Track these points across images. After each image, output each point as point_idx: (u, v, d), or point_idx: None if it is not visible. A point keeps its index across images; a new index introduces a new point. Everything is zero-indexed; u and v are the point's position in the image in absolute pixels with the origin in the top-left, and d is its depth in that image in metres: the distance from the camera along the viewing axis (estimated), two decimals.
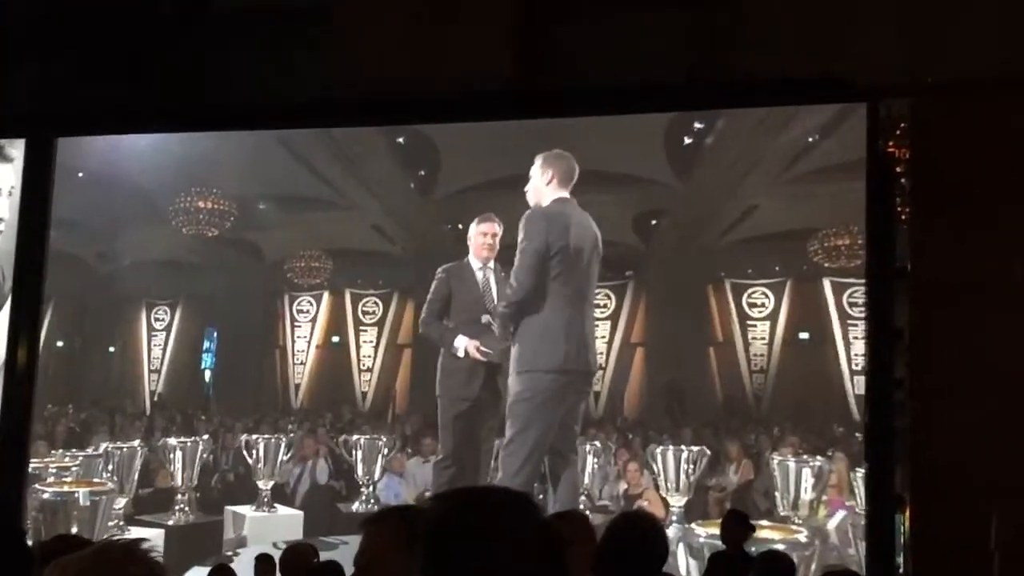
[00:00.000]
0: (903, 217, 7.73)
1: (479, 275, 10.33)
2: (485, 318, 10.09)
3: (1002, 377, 7.16)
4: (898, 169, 7.76)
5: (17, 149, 9.79)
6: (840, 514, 10.38)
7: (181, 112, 9.46)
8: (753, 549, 8.88)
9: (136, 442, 12.63)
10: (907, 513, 7.32)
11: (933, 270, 7.46)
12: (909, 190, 7.67)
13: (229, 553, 11.29)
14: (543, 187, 9.65)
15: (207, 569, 7.98)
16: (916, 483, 7.33)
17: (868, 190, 7.96)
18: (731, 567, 6.92)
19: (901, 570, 7.40)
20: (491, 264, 10.34)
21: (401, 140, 13.79)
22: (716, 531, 9.62)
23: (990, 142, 7.41)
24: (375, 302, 15.93)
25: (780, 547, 8.72)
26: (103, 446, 12.27)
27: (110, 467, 11.76)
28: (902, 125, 7.78)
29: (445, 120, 10.53)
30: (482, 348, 9.96)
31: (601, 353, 14.37)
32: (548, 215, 9.49)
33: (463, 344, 10.07)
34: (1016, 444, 7.01)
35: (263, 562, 7.57)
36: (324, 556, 7.26)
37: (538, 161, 9.73)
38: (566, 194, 9.66)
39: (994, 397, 7.12)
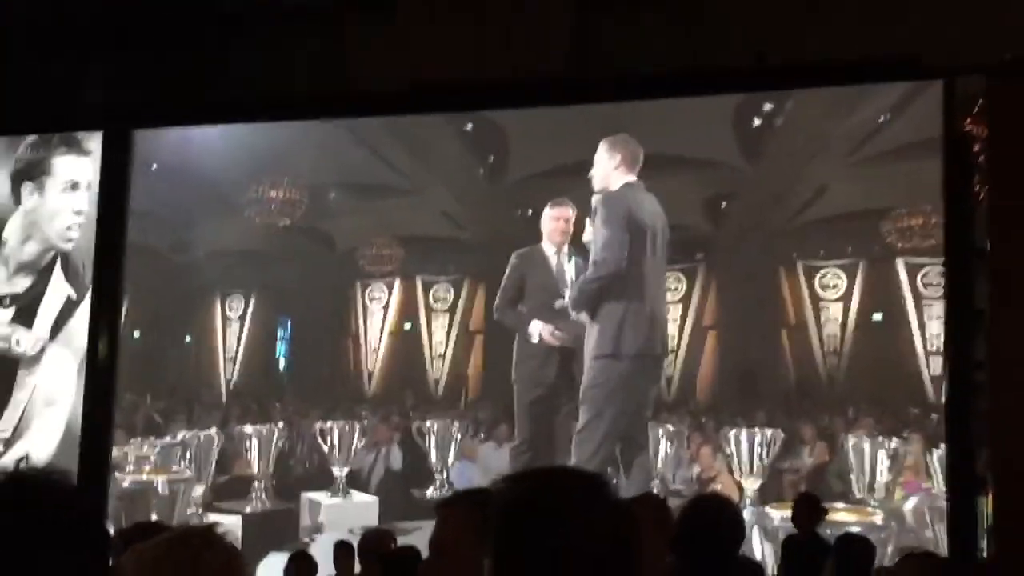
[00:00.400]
0: (981, 196, 7.55)
1: (553, 260, 10.31)
2: (559, 303, 10.07)
3: None
4: (975, 148, 7.57)
5: (95, 142, 9.84)
6: (916, 496, 10.29)
7: (252, 103, 9.54)
8: (828, 532, 8.89)
9: (213, 430, 12.72)
10: (989, 496, 7.16)
11: (1012, 250, 7.29)
12: (987, 168, 7.49)
13: (306, 539, 11.41)
14: (611, 171, 9.61)
15: (284, 555, 8.09)
16: (997, 465, 7.16)
17: (945, 169, 7.81)
18: (805, 551, 6.89)
19: (984, 554, 7.24)
20: (565, 249, 10.32)
21: (469, 127, 13.82)
22: (790, 513, 9.69)
23: None
24: (446, 288, 16.01)
25: (855, 530, 8.68)
26: (180, 435, 12.41)
27: (187, 455, 11.88)
28: (979, 102, 7.56)
29: (510, 106, 10.57)
30: (556, 333, 9.96)
31: (673, 336, 14.35)
32: (626, 198, 9.46)
33: (537, 329, 10.06)
34: None
35: (342, 548, 7.68)
36: (401, 541, 7.32)
37: (604, 145, 9.69)
38: (633, 177, 9.63)
39: None
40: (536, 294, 10.23)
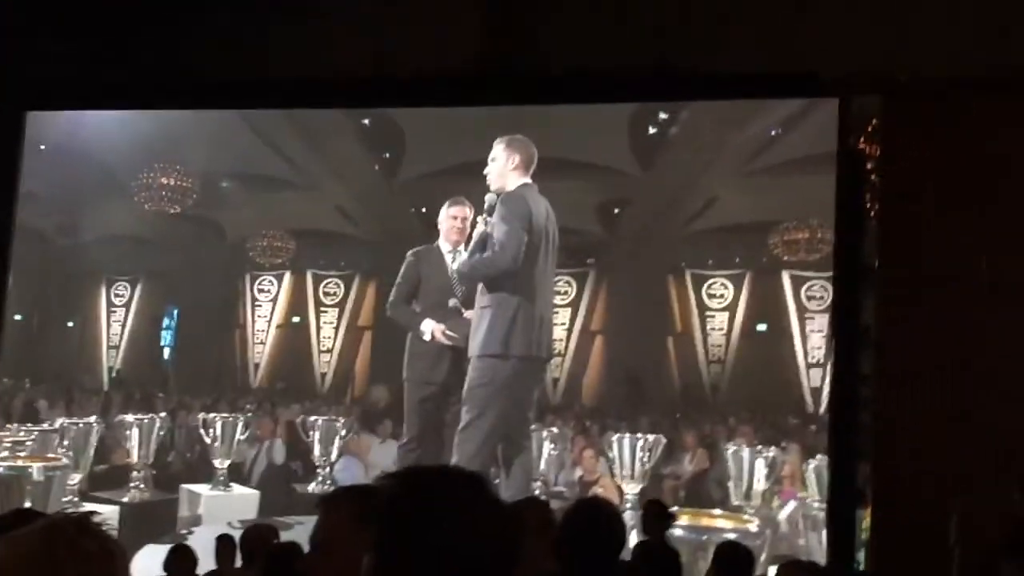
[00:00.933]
0: (872, 213, 7.71)
1: (448, 258, 10.19)
2: (453, 302, 10.03)
3: (966, 373, 7.18)
4: (868, 166, 7.74)
5: None
6: (791, 504, 10.49)
7: (151, 88, 9.33)
8: (705, 537, 9.05)
9: (93, 418, 12.42)
10: (868, 508, 7.35)
11: (900, 266, 7.47)
12: (878, 187, 7.67)
13: (184, 531, 11.25)
14: (508, 171, 9.52)
15: (162, 547, 7.98)
16: (877, 478, 7.35)
17: (838, 186, 7.91)
18: (654, 557, 6.96)
19: (861, 566, 7.42)
20: (461, 248, 10.30)
21: (367, 122, 13.84)
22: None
23: (959, 140, 7.42)
24: (336, 283, 15.96)
25: (732, 536, 8.82)
26: (59, 421, 12.17)
27: (65, 442, 11.58)
28: (873, 121, 7.75)
29: (410, 105, 10.51)
30: (448, 332, 9.89)
31: (560, 340, 14.49)
32: (526, 199, 9.48)
33: (430, 328, 9.91)
34: (978, 440, 7.02)
35: (224, 542, 7.44)
36: (282, 536, 7.27)
37: (501, 145, 9.49)
38: (528, 179, 9.65)
39: (958, 393, 7.15)
40: (430, 293, 10.11)
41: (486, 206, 9.47)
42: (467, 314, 9.70)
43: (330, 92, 9.49)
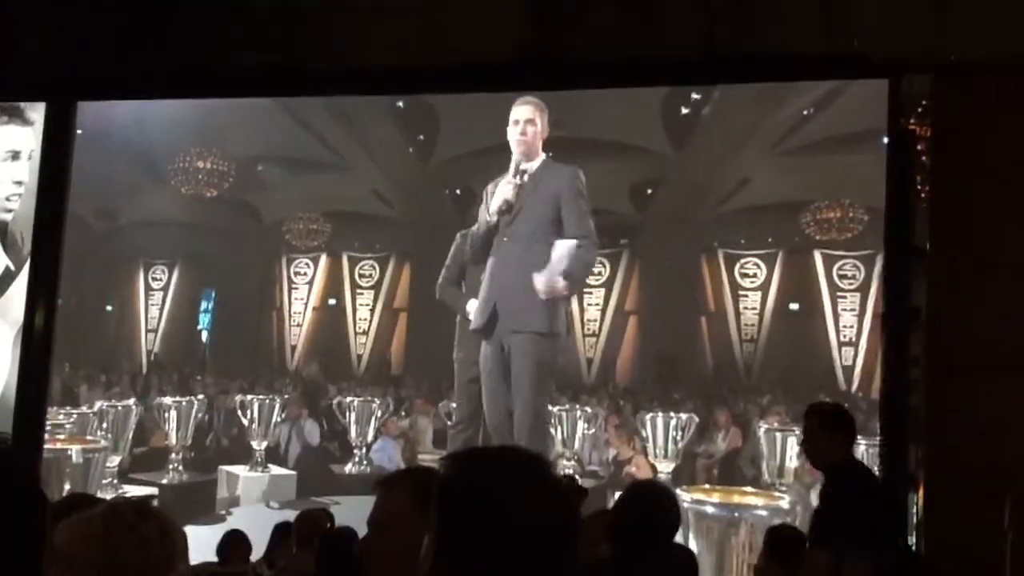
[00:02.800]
0: (922, 195, 7.56)
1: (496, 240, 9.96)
2: None
3: (1018, 357, 7.09)
4: (918, 147, 7.59)
5: (37, 112, 9.66)
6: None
7: (197, 77, 9.33)
8: (736, 514, 9.13)
9: (131, 401, 12.68)
10: (920, 492, 7.24)
11: (951, 249, 7.34)
12: (929, 168, 7.53)
13: (223, 512, 11.44)
14: (540, 137, 9.54)
15: (200, 528, 8.12)
16: (929, 461, 7.23)
17: (888, 167, 7.80)
18: None
19: (913, 550, 7.08)
20: (501, 221, 10.03)
21: (401, 104, 13.83)
22: (701, 496, 9.76)
23: (1011, 120, 7.31)
24: (372, 265, 16.02)
25: (762, 513, 8.93)
26: (98, 404, 12.37)
27: (104, 425, 11.83)
28: (924, 102, 7.60)
29: (453, 91, 10.33)
30: None
31: (595, 320, 14.56)
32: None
33: (473, 308, 9.85)
34: None
35: (279, 530, 7.59)
36: None
37: (530, 107, 9.53)
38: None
39: (1009, 377, 7.03)
40: (477, 272, 9.98)
41: (517, 168, 9.48)
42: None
43: (373, 80, 9.38)
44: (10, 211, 9.74)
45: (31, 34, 9.35)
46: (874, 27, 7.68)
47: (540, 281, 9.33)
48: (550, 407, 10.58)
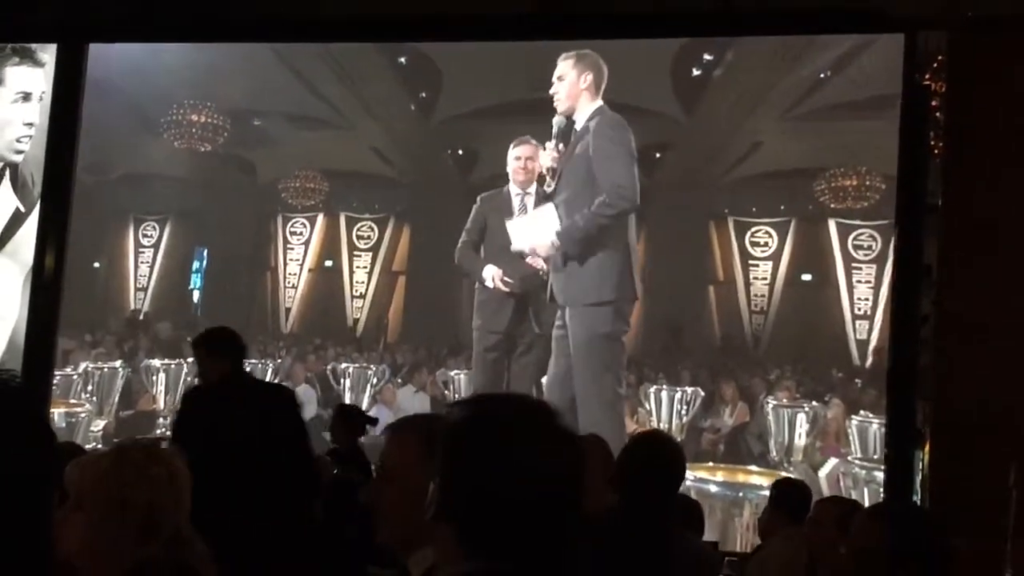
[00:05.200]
0: (936, 153, 7.72)
1: (515, 201, 9.99)
2: (515, 246, 9.74)
3: None
4: (933, 103, 7.72)
5: (48, 54, 9.85)
6: (832, 462, 10.32)
7: (210, 21, 9.45)
8: (741, 494, 8.91)
9: (117, 363, 12.63)
10: (926, 449, 7.41)
11: (964, 207, 7.48)
12: (943, 125, 7.66)
13: None
14: (580, 91, 9.20)
15: None
16: (936, 421, 7.42)
17: (901, 123, 7.96)
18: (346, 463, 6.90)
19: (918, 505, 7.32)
20: (531, 189, 10.00)
21: (403, 60, 13.62)
22: (705, 475, 9.92)
23: None
24: (370, 227, 15.81)
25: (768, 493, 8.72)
26: (83, 365, 12.16)
27: (89, 388, 11.71)
28: (939, 59, 7.71)
29: (463, 39, 10.28)
30: (505, 279, 9.69)
31: None
32: (624, 123, 9.18)
33: (490, 274, 9.78)
34: None
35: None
36: None
37: (569, 60, 9.26)
38: (600, 101, 9.26)
39: (1019, 336, 7.20)
40: (495, 238, 9.91)
41: (555, 131, 9.29)
42: (530, 259, 9.52)
43: (381, 27, 9.48)
44: (20, 152, 9.94)
45: None
46: None
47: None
48: None
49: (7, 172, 10.03)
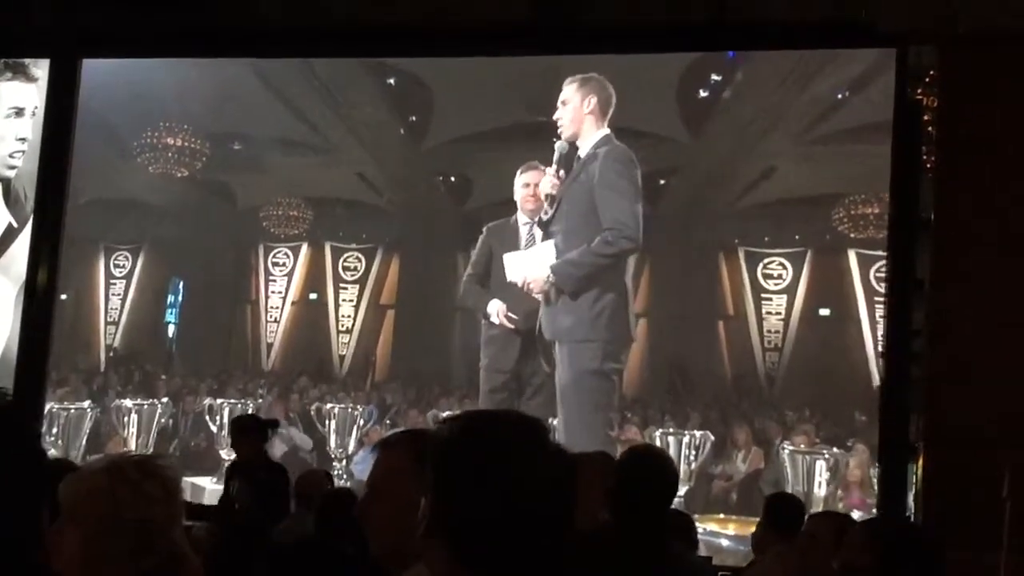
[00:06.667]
0: (928, 167, 7.99)
1: (523, 231, 9.71)
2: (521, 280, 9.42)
3: (1020, 330, 7.38)
4: (925, 118, 8.01)
5: (41, 69, 10.11)
6: (855, 515, 9.69)
7: (203, 36, 9.66)
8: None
9: (86, 403, 12.29)
10: (920, 462, 7.61)
11: (957, 221, 7.69)
12: (935, 139, 7.92)
13: (188, 524, 10.59)
14: (583, 115, 9.06)
15: None
16: (930, 432, 7.59)
17: (894, 138, 8.23)
18: (254, 481, 7.08)
19: (912, 519, 7.55)
20: (541, 217, 9.62)
21: (392, 81, 13.41)
22: (716, 527, 9.83)
23: (1018, 92, 7.60)
24: (357, 257, 15.42)
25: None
26: (48, 405, 11.66)
27: (54, 430, 11.42)
28: (931, 73, 7.99)
29: (457, 55, 10.27)
30: (508, 314, 9.40)
31: None
32: (630, 153, 9.06)
33: (495, 309, 9.55)
34: None
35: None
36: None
37: (573, 85, 9.15)
38: (607, 128, 9.12)
39: (1010, 349, 7.35)
40: (501, 271, 9.65)
41: (556, 156, 9.16)
42: (536, 294, 9.28)
43: (374, 41, 9.66)
44: (13, 168, 10.20)
45: None
46: None
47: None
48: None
49: (0, 187, 10.28)
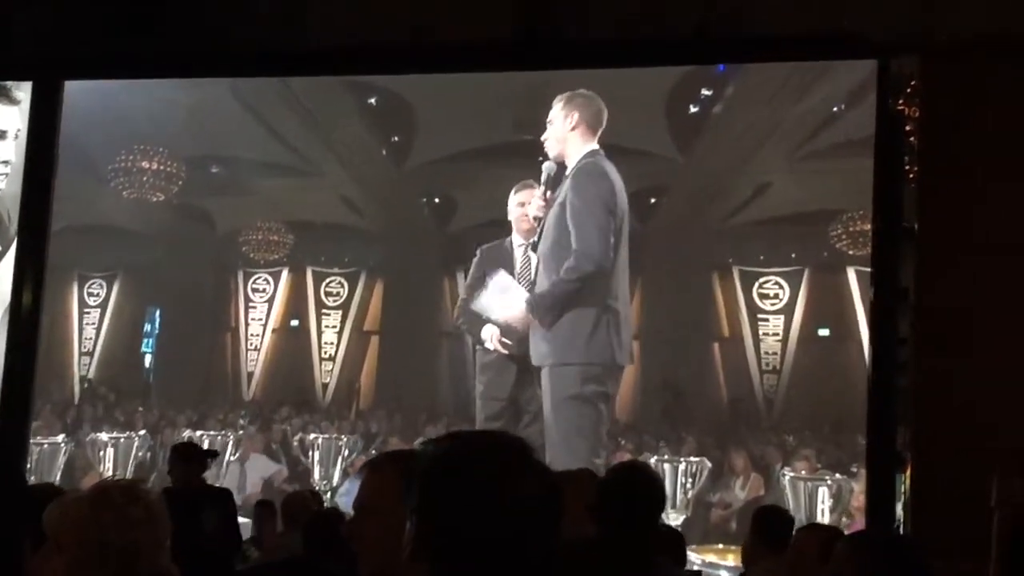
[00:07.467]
0: (911, 176, 8.02)
1: (518, 253, 9.51)
2: None
3: (1006, 338, 7.48)
4: (907, 127, 8.05)
5: (23, 91, 10.07)
6: None
7: (186, 58, 9.61)
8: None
9: (59, 437, 12.18)
10: (908, 471, 7.68)
11: (940, 229, 7.79)
12: (917, 149, 7.99)
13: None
14: (567, 133, 8.86)
15: None
16: (917, 441, 7.69)
17: (876, 148, 8.30)
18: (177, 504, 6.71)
19: (900, 529, 7.69)
20: (535, 240, 9.44)
21: (373, 100, 13.33)
22: (714, 558, 9.60)
23: (999, 102, 7.68)
24: (340, 282, 15.32)
25: None
26: None
27: (28, 465, 11.06)
28: (912, 83, 8.03)
29: (440, 71, 10.14)
30: (503, 339, 9.17)
31: None
32: (605, 171, 8.77)
33: (489, 334, 9.29)
34: (1017, 403, 7.32)
35: (265, 507, 8.13)
36: None
37: (559, 103, 8.98)
38: (595, 144, 8.90)
39: (998, 357, 7.41)
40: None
41: (543, 176, 9.02)
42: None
43: (354, 59, 9.63)
44: None
45: (19, 15, 9.69)
46: (863, 8, 8.08)
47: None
48: None
49: None
